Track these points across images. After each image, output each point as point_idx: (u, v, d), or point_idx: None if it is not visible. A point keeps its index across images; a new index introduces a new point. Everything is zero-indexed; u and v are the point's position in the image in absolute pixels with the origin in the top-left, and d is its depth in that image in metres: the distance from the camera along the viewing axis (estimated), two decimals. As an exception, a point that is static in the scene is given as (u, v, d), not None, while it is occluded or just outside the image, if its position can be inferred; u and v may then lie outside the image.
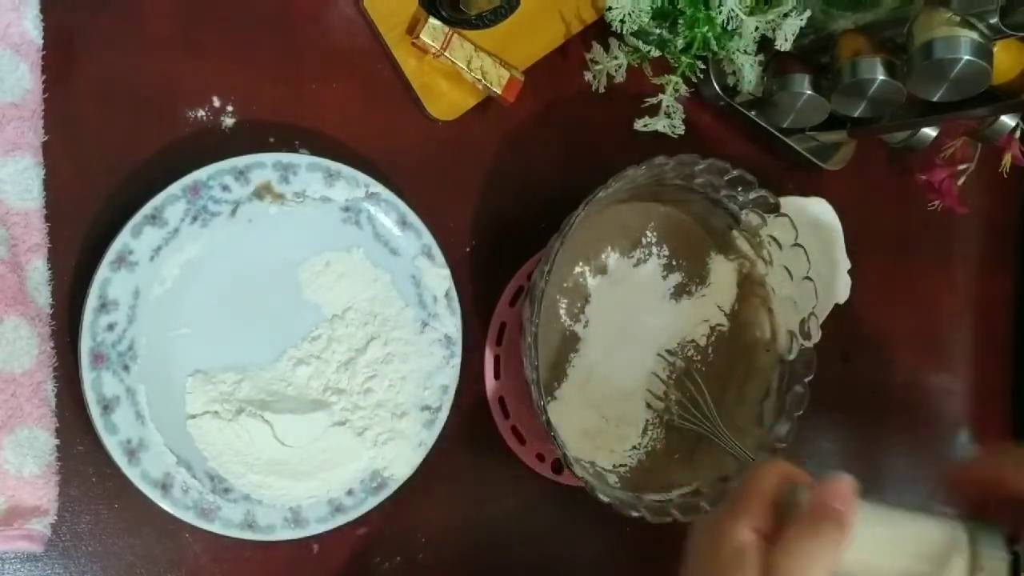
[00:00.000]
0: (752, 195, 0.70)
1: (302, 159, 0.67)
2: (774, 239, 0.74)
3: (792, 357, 0.76)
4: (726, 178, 0.70)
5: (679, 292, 0.78)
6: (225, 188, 0.66)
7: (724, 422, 0.75)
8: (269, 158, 0.67)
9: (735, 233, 0.76)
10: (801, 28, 0.72)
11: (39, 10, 0.63)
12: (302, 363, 0.69)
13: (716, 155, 0.70)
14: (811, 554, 0.47)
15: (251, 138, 0.68)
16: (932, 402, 0.94)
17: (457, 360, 0.72)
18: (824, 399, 0.83)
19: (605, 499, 0.66)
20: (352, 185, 0.69)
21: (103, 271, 0.63)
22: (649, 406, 0.76)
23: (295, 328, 0.69)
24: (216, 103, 0.68)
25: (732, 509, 0.49)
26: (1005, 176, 0.86)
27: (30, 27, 0.62)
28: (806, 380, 0.75)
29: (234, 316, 0.67)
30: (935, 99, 0.69)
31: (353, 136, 0.71)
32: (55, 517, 0.62)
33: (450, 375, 0.71)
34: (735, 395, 0.78)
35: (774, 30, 0.72)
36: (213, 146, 0.66)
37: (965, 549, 0.51)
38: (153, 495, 0.63)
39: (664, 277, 0.77)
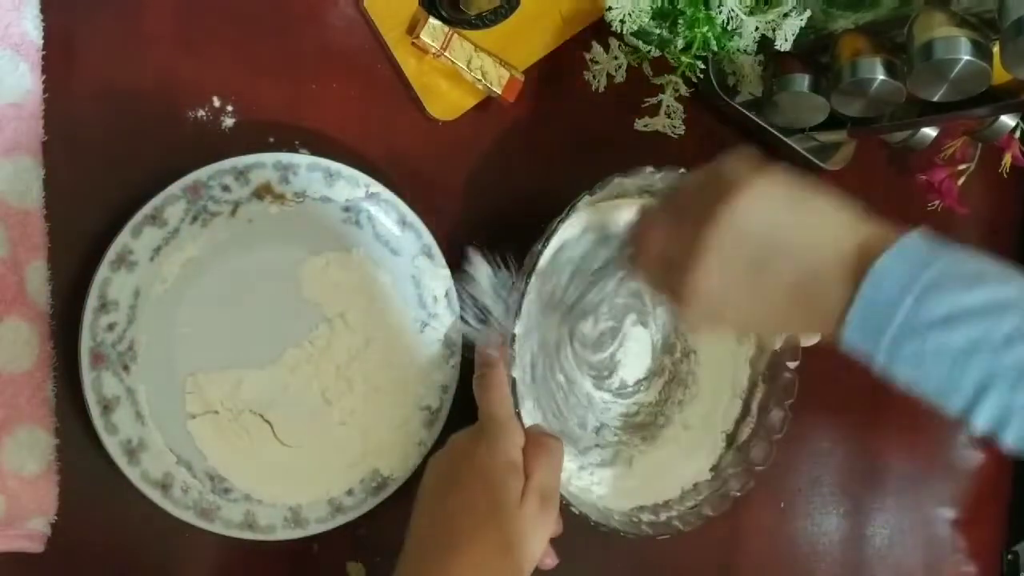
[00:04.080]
0: None
1: (302, 159, 0.67)
2: None
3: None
4: None
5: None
6: (225, 188, 0.66)
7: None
8: (269, 158, 0.67)
9: None
10: (801, 28, 0.72)
11: (39, 10, 0.63)
12: (302, 363, 0.69)
13: (713, 157, 0.70)
14: (550, 456, 0.61)
15: (251, 138, 0.68)
16: (932, 402, 0.93)
17: (457, 360, 0.72)
18: (824, 399, 0.83)
19: (575, 511, 0.67)
20: (352, 185, 0.69)
21: (103, 271, 0.63)
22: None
23: (295, 328, 0.69)
24: (216, 103, 0.68)
25: (504, 430, 0.61)
26: (1005, 176, 0.86)
27: (30, 27, 0.62)
28: (787, 403, 0.75)
29: (234, 316, 0.67)
30: (935, 99, 0.69)
31: (353, 136, 0.71)
32: (55, 517, 0.62)
33: (450, 375, 0.71)
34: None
35: (774, 30, 0.72)
36: (213, 146, 0.66)
37: None
38: (153, 495, 0.63)
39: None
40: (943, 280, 0.52)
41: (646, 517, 0.72)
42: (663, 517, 0.72)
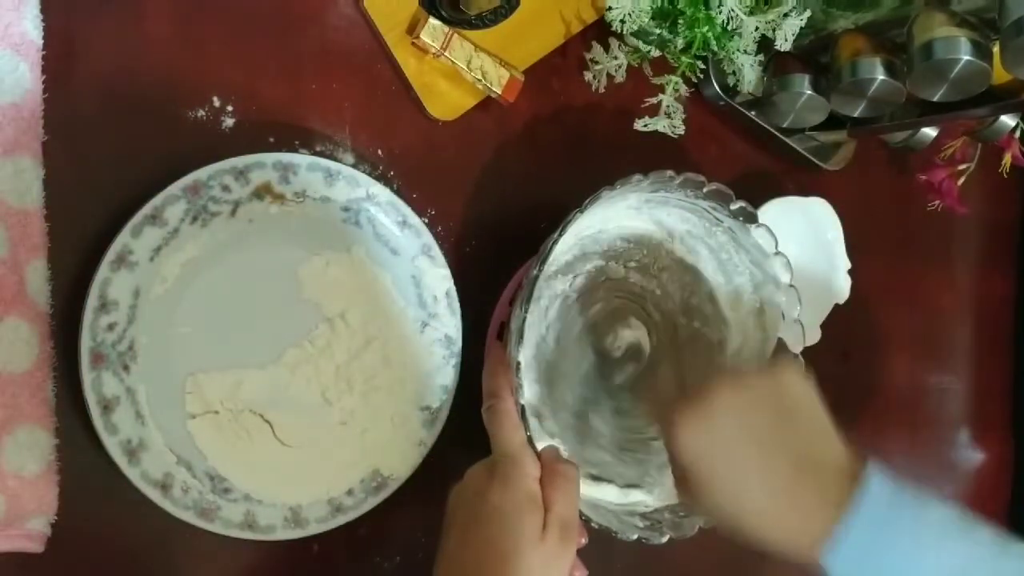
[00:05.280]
0: (733, 207, 0.70)
1: (302, 159, 0.67)
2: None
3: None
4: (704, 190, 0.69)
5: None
6: (225, 188, 0.66)
7: None
8: (269, 158, 0.67)
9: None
10: (801, 28, 0.72)
11: (39, 10, 0.63)
12: (302, 363, 0.69)
13: (713, 157, 0.70)
14: (566, 483, 0.61)
15: (251, 138, 0.68)
16: (932, 402, 0.93)
17: (457, 360, 0.72)
18: (824, 399, 0.83)
19: (597, 525, 0.66)
20: (352, 185, 0.69)
21: (103, 271, 0.63)
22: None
23: (295, 328, 0.69)
24: (216, 103, 0.68)
25: (517, 465, 0.60)
26: (1005, 176, 0.86)
27: (30, 27, 0.62)
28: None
29: (234, 316, 0.67)
30: (935, 99, 0.69)
31: (353, 136, 0.71)
32: (55, 517, 0.62)
33: (450, 375, 0.71)
34: None
35: (774, 30, 0.72)
36: (213, 146, 0.66)
37: None
38: (153, 495, 0.63)
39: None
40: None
41: (667, 517, 0.71)
42: (683, 516, 0.71)
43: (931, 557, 0.53)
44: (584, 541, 0.62)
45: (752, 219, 0.69)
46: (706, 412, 0.58)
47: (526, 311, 0.63)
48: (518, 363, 0.62)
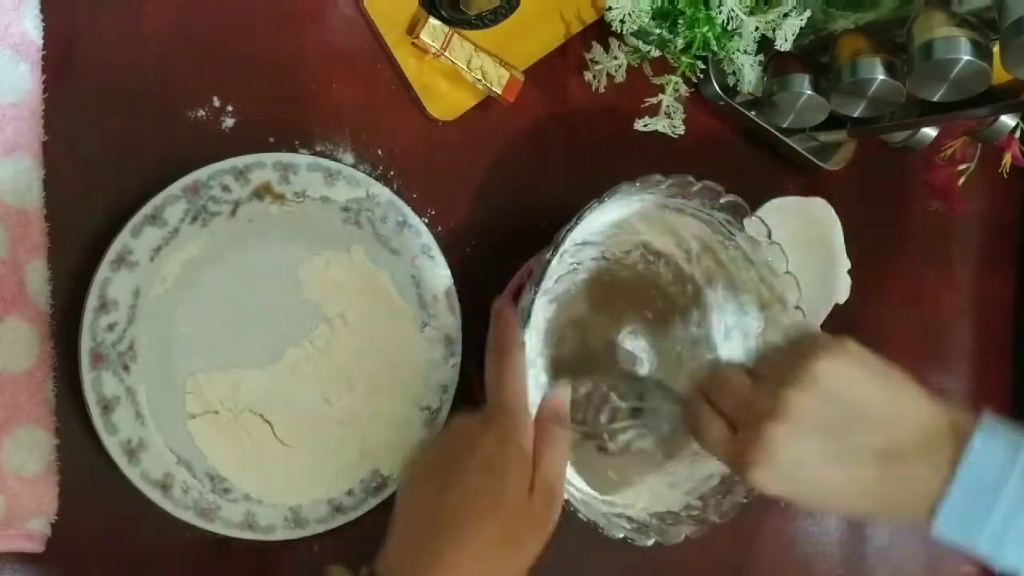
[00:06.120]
0: (723, 200, 0.69)
1: (302, 159, 0.67)
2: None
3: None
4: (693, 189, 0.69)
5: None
6: (225, 188, 0.66)
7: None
8: (269, 158, 0.67)
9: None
10: (801, 28, 0.72)
11: (39, 10, 0.63)
12: (302, 363, 0.69)
13: (713, 157, 0.70)
14: (557, 444, 0.59)
15: (251, 138, 0.68)
16: (932, 402, 0.93)
17: (457, 360, 0.72)
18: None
19: (584, 518, 0.66)
20: (352, 185, 0.69)
21: (103, 271, 0.63)
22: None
23: (295, 328, 0.69)
24: (216, 103, 0.68)
25: (514, 421, 0.59)
26: (1005, 176, 0.86)
27: (30, 27, 0.62)
28: None
29: (234, 316, 0.67)
30: (935, 99, 0.69)
31: (353, 136, 0.71)
32: (55, 517, 0.62)
33: (450, 375, 0.71)
34: None
35: (774, 30, 0.72)
36: (213, 146, 0.66)
37: None
38: (153, 495, 0.63)
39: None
40: None
41: (654, 523, 0.71)
42: (669, 524, 0.71)
43: None
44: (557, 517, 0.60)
45: (768, 236, 0.69)
46: (769, 457, 0.56)
47: (535, 293, 0.63)
48: (523, 342, 0.62)
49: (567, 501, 0.65)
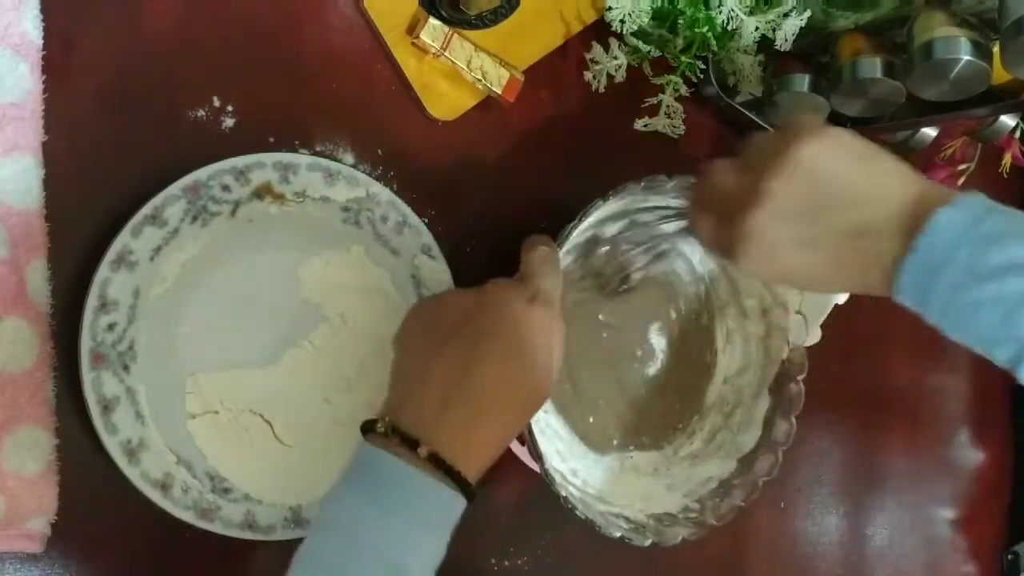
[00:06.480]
0: None
1: (302, 159, 0.67)
2: None
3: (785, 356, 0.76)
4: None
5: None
6: (225, 188, 0.66)
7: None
8: (269, 158, 0.67)
9: None
10: (801, 28, 0.72)
11: (39, 10, 0.63)
12: (302, 363, 0.69)
13: (713, 157, 0.69)
14: (548, 259, 0.63)
15: (251, 138, 0.68)
16: (932, 402, 0.93)
17: (457, 360, 0.72)
18: (824, 399, 0.83)
19: (582, 516, 0.66)
20: (352, 185, 0.69)
21: (103, 271, 0.63)
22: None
23: (295, 328, 0.69)
24: (216, 103, 0.68)
25: (536, 292, 0.61)
26: (1005, 176, 0.86)
27: (30, 27, 0.62)
28: (793, 416, 0.75)
29: (234, 316, 0.67)
30: (935, 99, 0.69)
31: (353, 136, 0.71)
32: (55, 517, 0.62)
33: (450, 375, 0.71)
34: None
35: (774, 30, 0.72)
36: (213, 146, 0.66)
37: None
38: (153, 495, 0.63)
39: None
40: (1000, 233, 0.52)
41: (651, 524, 0.71)
42: (666, 526, 0.71)
43: (994, 254, 0.52)
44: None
45: None
46: (750, 243, 0.57)
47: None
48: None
49: (565, 498, 0.65)
